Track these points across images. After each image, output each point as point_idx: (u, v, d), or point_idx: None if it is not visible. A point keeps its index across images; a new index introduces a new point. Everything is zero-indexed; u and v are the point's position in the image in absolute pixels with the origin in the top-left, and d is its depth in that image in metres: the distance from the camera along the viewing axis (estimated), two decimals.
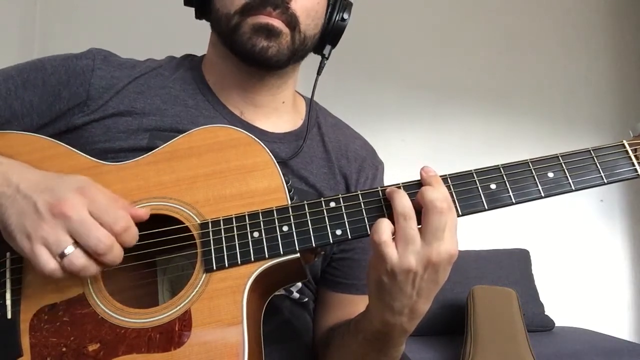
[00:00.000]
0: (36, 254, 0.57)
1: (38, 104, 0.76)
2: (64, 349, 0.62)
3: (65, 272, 0.58)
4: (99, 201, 0.60)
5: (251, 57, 0.78)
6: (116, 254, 0.60)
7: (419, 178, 0.65)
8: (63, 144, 0.72)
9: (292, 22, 0.77)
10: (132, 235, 0.61)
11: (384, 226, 0.60)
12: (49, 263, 0.57)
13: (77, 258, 0.58)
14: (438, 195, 0.60)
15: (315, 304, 0.92)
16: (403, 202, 0.61)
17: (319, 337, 0.89)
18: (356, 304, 0.85)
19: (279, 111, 0.87)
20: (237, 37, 0.77)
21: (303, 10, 0.78)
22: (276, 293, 0.73)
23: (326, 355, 0.84)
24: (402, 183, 0.65)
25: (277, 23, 0.76)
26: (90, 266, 0.59)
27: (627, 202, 2.99)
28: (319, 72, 0.88)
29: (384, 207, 0.64)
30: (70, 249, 0.57)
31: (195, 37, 1.12)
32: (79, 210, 0.58)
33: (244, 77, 0.83)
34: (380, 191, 0.65)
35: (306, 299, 0.86)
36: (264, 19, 0.75)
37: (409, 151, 2.77)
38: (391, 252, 0.59)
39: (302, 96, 0.96)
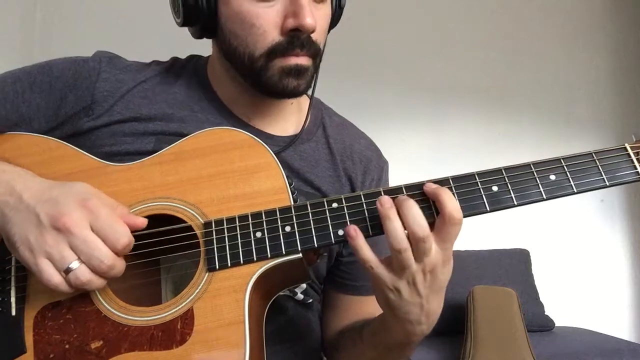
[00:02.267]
0: (40, 267, 0.58)
1: (45, 108, 0.76)
2: (67, 346, 0.62)
3: (70, 287, 0.59)
4: (102, 216, 0.60)
5: (280, 96, 0.78)
6: (118, 270, 0.60)
7: (419, 180, 0.65)
8: (70, 145, 0.72)
9: (315, 51, 0.76)
10: (130, 250, 0.62)
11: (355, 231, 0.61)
12: (54, 277, 0.58)
13: (82, 274, 0.58)
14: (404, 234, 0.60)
15: (322, 306, 0.92)
16: (397, 233, 0.60)
17: (328, 340, 0.90)
18: (365, 304, 0.86)
19: (286, 114, 0.87)
20: (265, 79, 0.75)
21: (321, 33, 0.77)
22: (280, 293, 0.74)
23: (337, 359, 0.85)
24: (404, 185, 0.66)
25: (305, 61, 0.75)
26: (95, 280, 0.59)
27: (627, 202, 3.00)
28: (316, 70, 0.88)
29: None
30: (75, 264, 0.58)
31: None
32: (81, 226, 0.59)
33: (257, 97, 0.82)
34: (382, 192, 0.65)
35: (310, 300, 0.87)
36: (293, 61, 0.74)
37: (409, 151, 2.78)
38: (384, 273, 0.61)
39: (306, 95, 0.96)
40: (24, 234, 0.59)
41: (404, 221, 0.59)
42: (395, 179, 0.69)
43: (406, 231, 0.60)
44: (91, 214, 0.60)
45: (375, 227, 0.64)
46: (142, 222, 0.64)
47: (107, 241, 0.59)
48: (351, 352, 0.81)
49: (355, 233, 0.61)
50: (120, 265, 0.60)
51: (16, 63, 0.80)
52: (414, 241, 0.59)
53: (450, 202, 0.60)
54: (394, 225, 0.59)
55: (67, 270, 0.58)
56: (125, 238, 0.60)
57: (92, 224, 0.59)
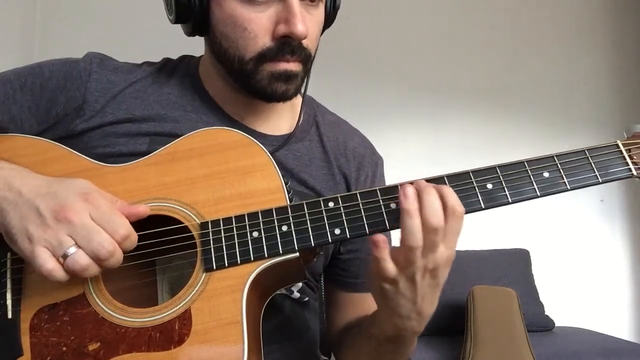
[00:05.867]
0: (36, 254, 0.57)
1: (36, 109, 0.76)
2: (64, 349, 0.62)
3: (68, 273, 0.58)
4: (102, 208, 0.60)
5: (269, 99, 0.78)
6: (118, 259, 0.60)
7: (417, 178, 0.65)
8: (64, 146, 0.72)
9: (306, 57, 0.76)
10: (132, 242, 0.62)
11: (384, 243, 0.61)
12: (48, 262, 0.57)
13: (80, 258, 0.58)
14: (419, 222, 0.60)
15: (325, 305, 0.93)
16: (415, 230, 0.60)
17: (332, 337, 0.91)
18: (366, 301, 0.87)
19: (279, 113, 0.87)
20: (254, 82, 0.76)
21: (313, 39, 0.77)
22: (277, 292, 0.74)
23: (341, 356, 0.86)
24: (400, 184, 0.66)
25: (294, 66, 0.75)
26: (92, 266, 0.59)
27: (627, 202, 2.99)
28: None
29: (382, 206, 0.65)
30: (73, 249, 0.57)
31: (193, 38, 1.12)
32: (82, 216, 0.59)
33: (248, 98, 0.82)
34: (378, 191, 0.66)
35: (307, 299, 0.87)
36: (282, 66, 0.74)
37: (409, 151, 2.78)
38: (391, 267, 0.61)
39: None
40: (24, 227, 0.59)
41: (422, 208, 0.60)
42: (395, 178, 0.69)
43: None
44: (91, 206, 0.60)
45: (372, 226, 0.65)
46: (144, 209, 0.65)
47: (106, 231, 0.59)
48: (352, 348, 0.82)
49: (384, 244, 0.61)
50: (119, 254, 0.60)
51: (16, 63, 0.80)
52: (426, 232, 0.59)
53: (452, 195, 0.61)
54: (414, 223, 0.60)
55: (65, 255, 0.57)
56: (123, 229, 0.60)
57: (92, 215, 0.59)
